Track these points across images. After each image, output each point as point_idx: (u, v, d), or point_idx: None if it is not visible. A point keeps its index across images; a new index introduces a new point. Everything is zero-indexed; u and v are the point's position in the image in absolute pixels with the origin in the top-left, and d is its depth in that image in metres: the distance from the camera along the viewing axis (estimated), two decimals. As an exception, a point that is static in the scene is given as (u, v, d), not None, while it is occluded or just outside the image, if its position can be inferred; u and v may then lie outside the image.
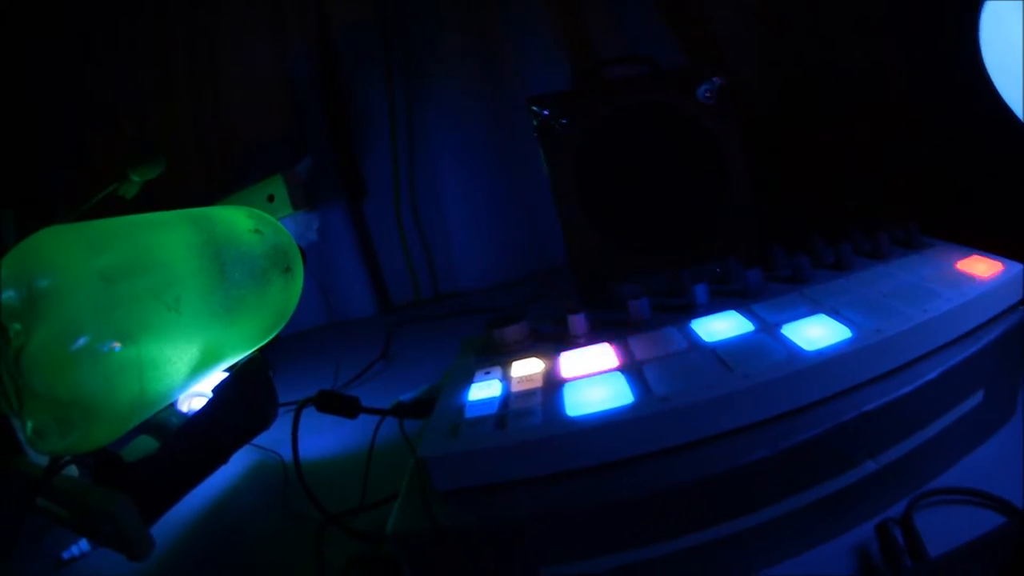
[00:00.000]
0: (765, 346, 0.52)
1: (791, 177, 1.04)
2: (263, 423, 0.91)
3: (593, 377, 0.53)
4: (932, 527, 0.47)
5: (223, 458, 0.85)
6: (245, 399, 0.88)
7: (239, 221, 0.83)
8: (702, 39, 1.28)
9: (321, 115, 1.48)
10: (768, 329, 0.55)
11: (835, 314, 0.55)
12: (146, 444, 0.77)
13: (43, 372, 0.61)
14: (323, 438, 0.90)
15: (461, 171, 1.44)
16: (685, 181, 0.84)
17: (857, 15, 0.96)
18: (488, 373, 0.58)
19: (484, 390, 0.55)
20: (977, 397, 0.54)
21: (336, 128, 1.49)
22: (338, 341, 1.35)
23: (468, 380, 0.58)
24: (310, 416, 0.85)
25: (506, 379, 0.56)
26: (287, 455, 0.86)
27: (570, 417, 0.48)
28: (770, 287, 0.63)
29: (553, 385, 0.53)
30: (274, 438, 0.91)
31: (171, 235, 0.77)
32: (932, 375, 0.50)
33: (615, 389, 0.50)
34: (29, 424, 0.63)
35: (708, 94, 0.83)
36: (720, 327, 0.57)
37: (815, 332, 0.53)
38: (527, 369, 0.57)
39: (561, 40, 1.36)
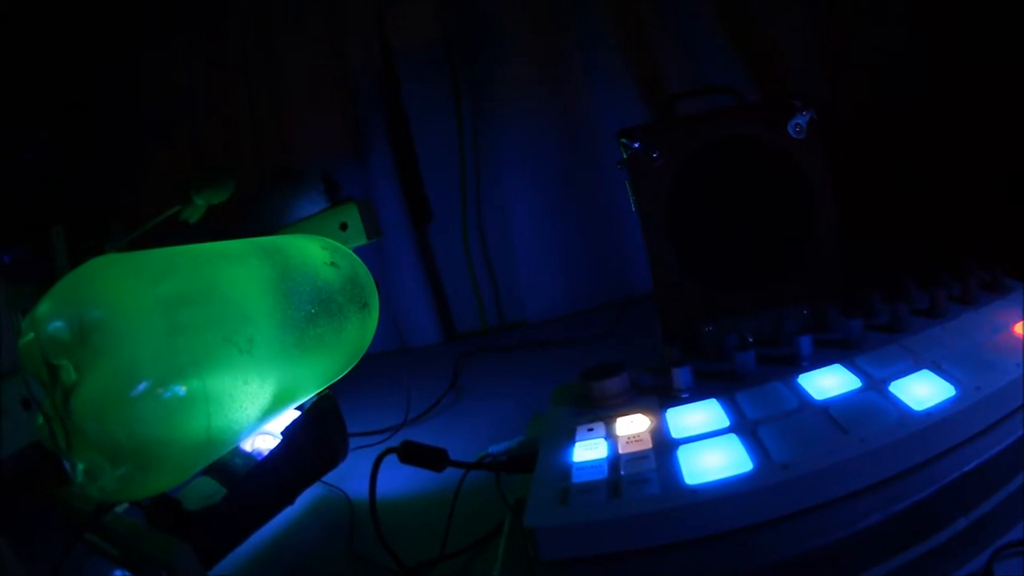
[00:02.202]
0: (876, 406, 0.51)
1: (868, 215, 1.02)
2: (332, 462, 0.89)
3: (706, 440, 0.51)
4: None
5: (290, 500, 0.83)
6: (316, 439, 0.85)
7: (314, 253, 0.80)
8: (767, 63, 1.26)
9: (384, 137, 1.48)
10: (876, 386, 0.53)
11: (937, 369, 0.53)
12: (206, 485, 0.75)
13: (98, 418, 0.56)
14: (391, 476, 0.85)
15: (530, 197, 1.42)
16: (773, 218, 0.82)
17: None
18: (591, 430, 0.56)
19: (589, 451, 0.53)
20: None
21: (400, 151, 1.48)
22: (403, 368, 1.33)
23: (569, 437, 0.56)
24: (375, 452, 0.84)
25: (611, 437, 0.54)
26: (352, 491, 0.86)
27: (689, 486, 0.46)
28: (869, 336, 0.61)
29: (664, 447, 0.51)
30: (338, 472, 0.89)
31: (242, 269, 0.73)
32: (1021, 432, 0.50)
33: (732, 454, 0.48)
34: (80, 466, 0.58)
35: (799, 127, 0.80)
36: (828, 384, 0.55)
37: (921, 390, 0.51)
38: (633, 427, 0.55)
39: (628, 64, 1.35)
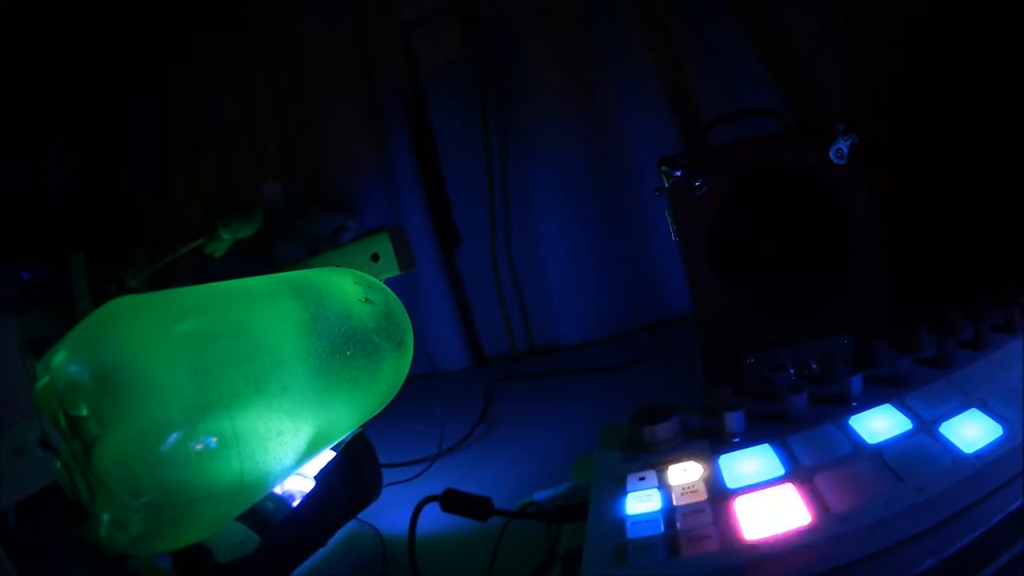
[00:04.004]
0: (928, 449, 0.51)
1: (907, 241, 1.02)
2: (366, 501, 0.88)
3: (762, 489, 0.50)
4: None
5: (323, 542, 0.81)
6: (350, 480, 0.83)
7: (346, 289, 0.76)
8: (800, 84, 1.26)
9: (411, 159, 1.48)
10: (927, 428, 0.53)
11: (985, 408, 0.53)
12: (236, 531, 0.72)
13: (124, 474, 0.52)
14: (424, 516, 0.81)
15: (560, 219, 1.41)
16: (815, 246, 0.82)
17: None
18: (643, 480, 0.55)
19: (643, 503, 0.52)
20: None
21: (427, 173, 1.48)
22: (431, 395, 1.28)
23: (620, 487, 0.55)
24: (408, 489, 0.84)
25: (664, 487, 0.54)
26: (383, 526, 0.84)
27: (748, 542, 0.45)
28: (917, 372, 0.61)
29: (719, 497, 0.50)
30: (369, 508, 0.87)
31: (273, 311, 0.68)
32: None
33: (789, 505, 0.47)
34: (105, 517, 0.55)
35: (840, 153, 0.80)
36: (879, 426, 0.55)
37: (971, 431, 0.51)
38: (687, 476, 0.54)
39: (659, 83, 1.34)
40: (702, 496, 0.51)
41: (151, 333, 0.57)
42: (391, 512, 0.87)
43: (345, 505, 0.83)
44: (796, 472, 0.51)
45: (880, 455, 0.51)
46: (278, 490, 0.78)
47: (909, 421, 0.54)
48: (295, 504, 0.77)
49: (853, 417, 0.57)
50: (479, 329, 1.53)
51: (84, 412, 0.52)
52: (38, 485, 0.51)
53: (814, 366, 0.67)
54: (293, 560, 0.77)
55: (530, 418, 1.11)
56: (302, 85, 1.55)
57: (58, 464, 0.54)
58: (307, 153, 1.56)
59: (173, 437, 0.53)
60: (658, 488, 0.54)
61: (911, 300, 0.82)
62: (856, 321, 0.79)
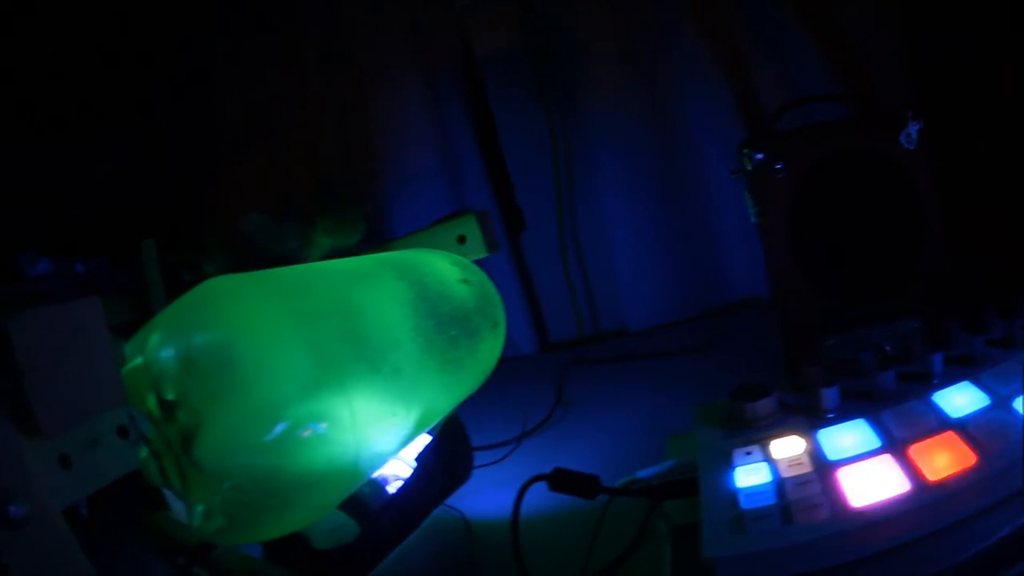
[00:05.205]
0: (1004, 422, 0.54)
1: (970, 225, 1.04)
2: (457, 484, 0.85)
3: (862, 461, 0.54)
4: None
5: (417, 527, 0.79)
6: (445, 463, 0.82)
7: (444, 269, 0.76)
8: (856, 69, 1.28)
9: (473, 146, 1.50)
10: (1002, 403, 0.57)
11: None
12: (333, 517, 0.68)
13: (227, 464, 0.50)
14: (503, 496, 0.80)
15: (625, 203, 1.43)
16: (884, 230, 0.84)
17: None
18: (749, 454, 0.59)
19: (752, 475, 0.56)
20: None
21: (490, 160, 1.50)
22: (505, 380, 1.27)
23: (727, 462, 0.59)
24: (490, 472, 0.84)
25: (770, 460, 0.57)
26: (467, 509, 0.83)
27: (856, 509, 0.49)
28: (989, 352, 0.65)
29: (824, 469, 0.54)
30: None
31: (380, 289, 0.67)
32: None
33: (889, 475, 0.51)
34: (199, 508, 0.51)
35: (910, 137, 0.82)
36: (960, 402, 0.59)
37: (1042, 405, 0.55)
38: (790, 450, 0.58)
39: (716, 69, 1.36)
40: (808, 468, 0.55)
41: (263, 309, 0.55)
42: (474, 495, 0.86)
43: (440, 487, 0.82)
44: (891, 444, 0.55)
45: (964, 428, 0.55)
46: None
47: (987, 397, 0.58)
48: (390, 488, 0.75)
49: (936, 393, 0.61)
50: (544, 315, 1.54)
51: (182, 396, 0.50)
52: (112, 476, 0.46)
53: (887, 348, 0.70)
54: (391, 546, 0.76)
55: (605, 402, 1.12)
56: (355, 75, 1.56)
57: (144, 452, 0.50)
58: (365, 143, 1.57)
59: (287, 420, 0.51)
60: (765, 461, 0.58)
61: (978, 284, 0.85)
62: (926, 304, 0.82)
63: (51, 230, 1.26)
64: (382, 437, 0.61)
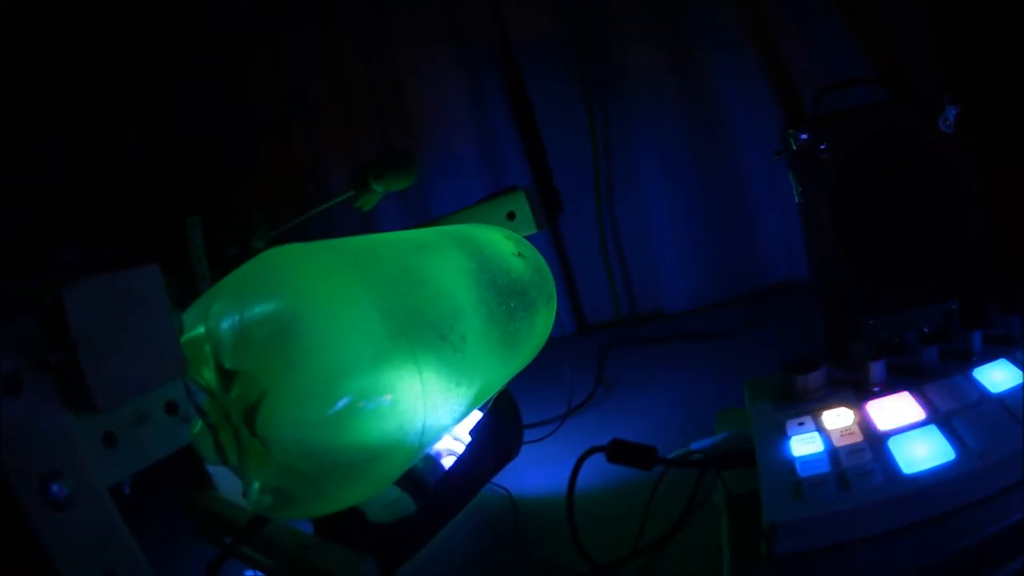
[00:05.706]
0: None
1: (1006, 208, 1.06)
2: (507, 460, 0.86)
3: (910, 431, 0.57)
4: None
5: (469, 502, 0.79)
6: (497, 438, 0.82)
7: (500, 243, 0.77)
8: (890, 54, 1.29)
9: (511, 128, 1.51)
10: None
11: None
12: (388, 491, 0.68)
13: (292, 437, 0.49)
14: (550, 472, 0.85)
15: (663, 186, 1.44)
16: (923, 213, 0.86)
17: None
18: (802, 424, 0.62)
19: (807, 445, 0.59)
20: None
21: (528, 142, 1.51)
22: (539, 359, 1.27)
23: (781, 433, 0.62)
24: (534, 449, 0.85)
25: (823, 431, 0.61)
26: (513, 486, 0.84)
27: (907, 475, 0.52)
28: None
29: (874, 439, 0.57)
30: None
31: (444, 259, 0.68)
32: None
33: (935, 444, 0.55)
34: (255, 484, 0.51)
35: (947, 121, 0.84)
36: (998, 377, 0.62)
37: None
38: (841, 421, 0.61)
39: (753, 52, 1.38)
40: (859, 437, 0.58)
41: (337, 276, 0.55)
42: (518, 473, 0.87)
43: (492, 463, 0.83)
44: (936, 416, 0.59)
45: (1003, 402, 0.59)
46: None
47: (1022, 373, 0.62)
48: (445, 463, 0.76)
49: (976, 370, 0.64)
50: (580, 296, 1.56)
51: (246, 367, 0.48)
52: (159, 455, 0.44)
53: (926, 329, 0.73)
54: (446, 520, 0.76)
55: (645, 382, 1.13)
56: (393, 60, 1.56)
57: (197, 427, 0.48)
58: (403, 127, 1.59)
59: (354, 391, 0.51)
60: (817, 431, 0.61)
61: (1016, 265, 0.88)
62: (965, 285, 0.85)
63: (84, 217, 1.31)
64: (445, 409, 0.62)
